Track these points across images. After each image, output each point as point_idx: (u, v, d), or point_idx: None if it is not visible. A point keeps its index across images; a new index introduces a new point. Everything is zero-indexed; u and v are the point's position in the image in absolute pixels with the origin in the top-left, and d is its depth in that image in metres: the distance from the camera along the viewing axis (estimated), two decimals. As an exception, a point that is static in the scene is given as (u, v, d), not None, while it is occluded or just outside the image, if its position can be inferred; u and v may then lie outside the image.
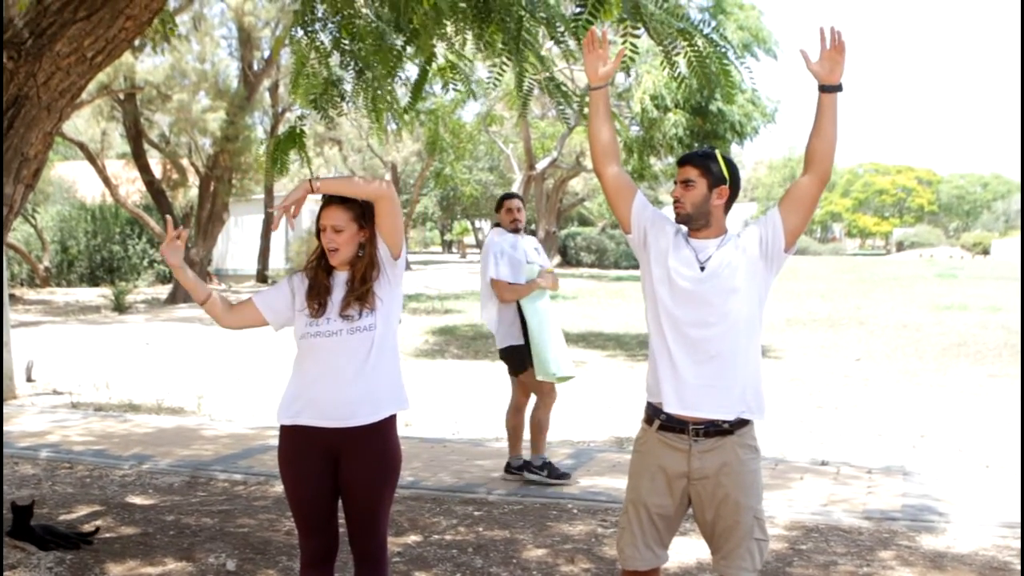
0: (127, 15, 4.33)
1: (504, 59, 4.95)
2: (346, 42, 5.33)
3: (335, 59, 5.53)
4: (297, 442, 3.58)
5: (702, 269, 3.43)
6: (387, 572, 3.73)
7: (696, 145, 17.92)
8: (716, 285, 3.41)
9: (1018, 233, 63.57)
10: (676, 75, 5.12)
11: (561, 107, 5.69)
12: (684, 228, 3.54)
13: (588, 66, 3.52)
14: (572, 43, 5.13)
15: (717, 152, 3.54)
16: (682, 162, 3.54)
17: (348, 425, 3.52)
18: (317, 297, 3.57)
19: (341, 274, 3.61)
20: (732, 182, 3.49)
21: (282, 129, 6.08)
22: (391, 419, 3.64)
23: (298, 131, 5.73)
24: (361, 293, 3.54)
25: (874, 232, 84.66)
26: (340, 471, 3.58)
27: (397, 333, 3.71)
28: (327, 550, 3.65)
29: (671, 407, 3.44)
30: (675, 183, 3.53)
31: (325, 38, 5.48)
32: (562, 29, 4.92)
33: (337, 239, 3.54)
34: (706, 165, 3.46)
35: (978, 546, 5.50)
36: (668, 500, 3.47)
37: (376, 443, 3.58)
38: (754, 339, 3.49)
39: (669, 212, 3.62)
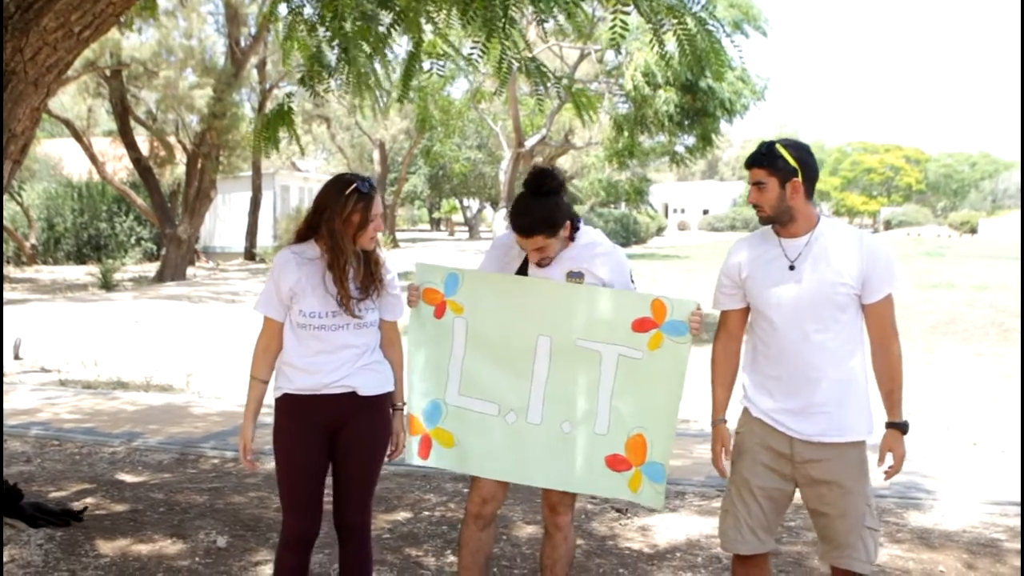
0: (114, -11, 4.29)
1: (486, 38, 4.90)
2: (329, 20, 5.27)
3: (321, 32, 5.46)
4: (297, 410, 3.56)
5: (791, 268, 3.36)
6: (371, 547, 3.75)
7: (687, 123, 17.80)
8: (807, 288, 3.34)
9: (1005, 212, 63.84)
10: (664, 54, 5.09)
11: (539, 88, 5.65)
12: (766, 229, 3.48)
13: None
14: (562, 19, 5.10)
15: (777, 145, 3.39)
16: (748, 164, 3.45)
17: (352, 391, 3.54)
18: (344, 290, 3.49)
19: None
20: (803, 169, 3.35)
21: (270, 106, 6.03)
22: (388, 395, 3.69)
23: (287, 108, 5.68)
24: (375, 277, 3.55)
25: (862, 211, 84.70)
26: (339, 439, 3.58)
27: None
28: (309, 532, 3.62)
29: (759, 414, 3.45)
30: (749, 186, 3.46)
31: (310, 11, 5.41)
32: (553, 6, 4.87)
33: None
34: (772, 163, 3.34)
35: (966, 523, 5.54)
36: (771, 481, 3.42)
37: (377, 412, 3.62)
38: (854, 352, 3.41)
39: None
